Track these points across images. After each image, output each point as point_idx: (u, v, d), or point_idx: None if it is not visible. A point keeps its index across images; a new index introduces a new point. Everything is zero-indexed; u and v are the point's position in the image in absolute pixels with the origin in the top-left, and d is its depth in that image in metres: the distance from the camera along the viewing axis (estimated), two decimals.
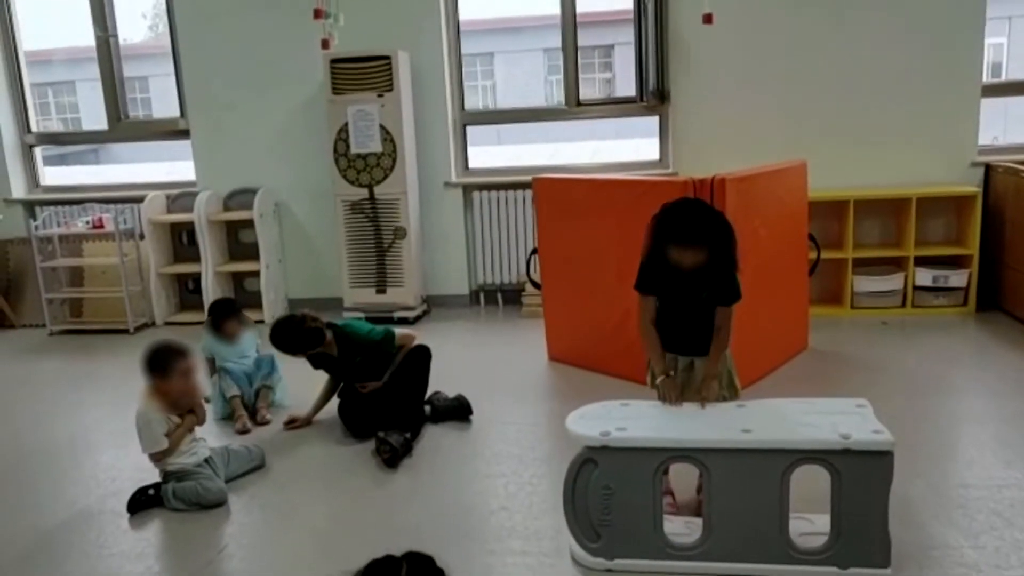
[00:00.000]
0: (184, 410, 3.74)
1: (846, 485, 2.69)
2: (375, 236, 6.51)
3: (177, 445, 3.69)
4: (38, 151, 7.66)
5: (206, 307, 6.71)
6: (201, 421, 3.84)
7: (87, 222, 6.95)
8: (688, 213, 3.21)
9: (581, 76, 6.81)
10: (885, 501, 2.69)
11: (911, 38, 6.09)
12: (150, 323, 6.93)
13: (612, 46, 14.83)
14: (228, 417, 4.64)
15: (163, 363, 3.68)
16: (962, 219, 6.13)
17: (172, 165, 8.52)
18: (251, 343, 4.95)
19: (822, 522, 2.81)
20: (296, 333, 4.31)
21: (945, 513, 3.22)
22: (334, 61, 6.28)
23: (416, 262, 6.60)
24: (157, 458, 3.69)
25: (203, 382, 4.07)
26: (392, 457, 3.92)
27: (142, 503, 3.64)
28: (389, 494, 3.69)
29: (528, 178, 5.70)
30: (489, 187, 6.79)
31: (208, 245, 6.78)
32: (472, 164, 7.06)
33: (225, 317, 4.87)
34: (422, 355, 4.51)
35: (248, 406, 4.66)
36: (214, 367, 4.81)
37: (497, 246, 6.83)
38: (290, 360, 4.52)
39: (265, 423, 4.59)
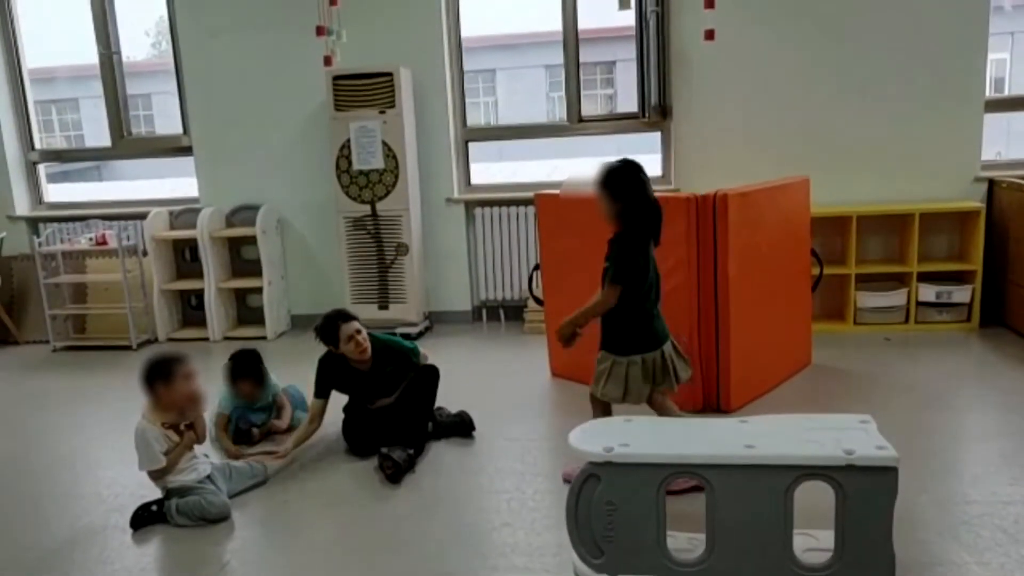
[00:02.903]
0: (187, 419, 3.74)
1: (850, 501, 2.67)
2: (377, 252, 6.52)
3: (176, 463, 3.69)
4: (42, 168, 7.69)
5: (209, 324, 6.77)
6: (201, 439, 3.83)
7: (90, 239, 6.97)
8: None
9: (583, 92, 6.83)
10: (889, 517, 2.67)
11: (914, 53, 6.10)
12: (153, 339, 6.94)
13: (614, 62, 14.86)
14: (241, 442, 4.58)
15: (166, 369, 3.69)
16: (965, 235, 6.13)
17: (175, 182, 8.54)
18: (268, 397, 4.71)
19: (826, 538, 2.79)
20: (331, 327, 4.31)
21: (950, 530, 3.21)
22: (336, 78, 6.31)
23: (418, 278, 6.60)
24: (155, 476, 3.69)
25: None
26: (395, 473, 3.91)
27: (145, 519, 3.63)
28: (392, 510, 3.68)
29: (530, 194, 5.70)
30: (491, 203, 6.80)
31: (211, 261, 6.79)
32: (474, 180, 7.07)
33: (242, 377, 4.59)
34: (431, 374, 4.50)
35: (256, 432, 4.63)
36: (228, 421, 4.60)
37: (499, 262, 6.83)
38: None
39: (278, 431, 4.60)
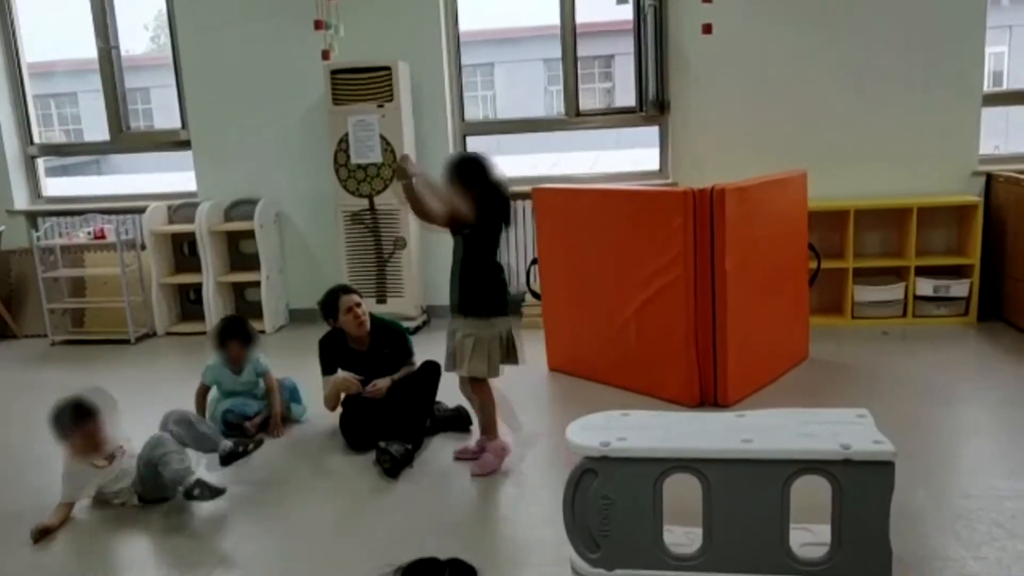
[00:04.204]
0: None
1: (847, 495, 2.68)
2: (375, 246, 6.52)
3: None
4: (40, 162, 7.67)
5: (207, 318, 6.77)
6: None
7: (89, 233, 6.96)
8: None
9: (581, 86, 6.82)
10: (886, 512, 2.68)
11: (911, 47, 6.09)
12: (151, 333, 6.94)
13: (612, 56, 14.87)
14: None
15: (61, 425, 3.66)
16: (963, 229, 6.13)
17: (173, 176, 8.54)
18: (252, 372, 4.69)
19: (823, 532, 2.80)
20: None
21: (946, 524, 3.22)
22: (334, 72, 6.30)
23: (416, 272, 6.61)
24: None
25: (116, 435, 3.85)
26: (393, 467, 3.92)
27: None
28: (389, 504, 3.68)
29: (528, 188, 5.71)
30: None
31: (209, 255, 6.78)
32: None
33: (229, 338, 4.62)
34: (432, 370, 4.49)
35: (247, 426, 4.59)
36: (207, 391, 4.68)
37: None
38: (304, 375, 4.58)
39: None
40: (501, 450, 3.98)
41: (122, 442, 3.81)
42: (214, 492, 3.59)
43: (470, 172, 3.78)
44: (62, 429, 3.64)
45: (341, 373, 4.40)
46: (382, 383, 4.36)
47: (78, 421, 3.62)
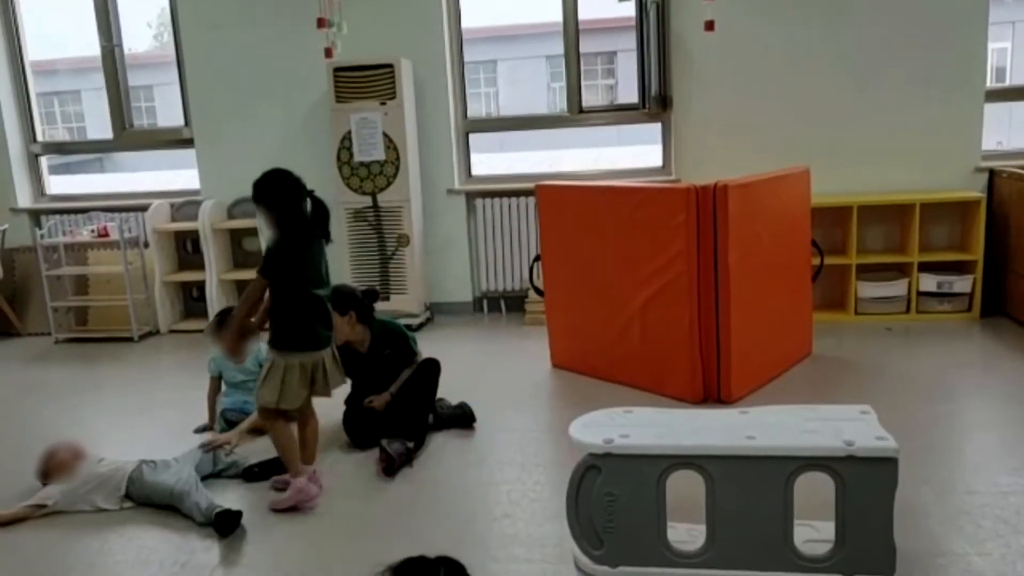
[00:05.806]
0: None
1: (850, 492, 2.68)
2: (378, 244, 6.52)
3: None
4: (44, 160, 7.68)
5: (210, 315, 6.76)
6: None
7: (92, 231, 6.96)
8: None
9: (584, 83, 6.81)
10: (890, 508, 2.68)
11: (914, 43, 6.09)
12: (154, 331, 6.94)
13: (615, 53, 14.82)
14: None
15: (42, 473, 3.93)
16: (966, 225, 6.12)
17: (176, 174, 8.54)
18: (255, 361, 4.70)
19: (827, 529, 2.80)
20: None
21: (950, 520, 3.22)
22: (337, 70, 6.30)
23: (419, 269, 6.61)
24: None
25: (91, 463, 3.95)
26: (389, 467, 3.90)
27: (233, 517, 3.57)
28: (392, 502, 3.68)
29: (531, 185, 5.70)
30: (492, 194, 6.80)
31: (212, 253, 6.79)
32: (475, 171, 7.06)
33: (222, 326, 4.67)
34: (432, 367, 4.49)
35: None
36: (219, 386, 4.73)
37: (500, 253, 6.83)
38: None
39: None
40: (299, 492, 3.63)
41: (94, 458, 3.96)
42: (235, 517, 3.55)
43: (269, 191, 3.61)
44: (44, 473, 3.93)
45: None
46: (379, 400, 4.34)
47: (54, 470, 3.92)
